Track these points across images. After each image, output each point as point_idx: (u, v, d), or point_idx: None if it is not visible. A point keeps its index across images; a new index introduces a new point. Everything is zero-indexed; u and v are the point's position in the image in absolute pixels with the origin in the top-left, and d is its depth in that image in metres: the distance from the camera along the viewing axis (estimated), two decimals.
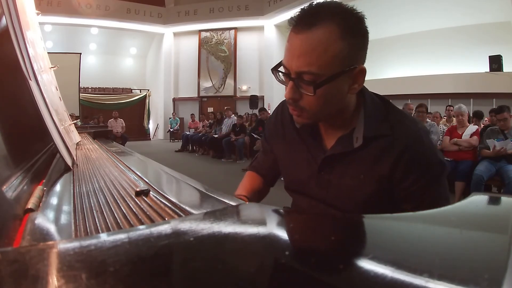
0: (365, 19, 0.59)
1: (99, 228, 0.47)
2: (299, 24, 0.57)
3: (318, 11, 0.56)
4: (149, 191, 0.63)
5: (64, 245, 0.29)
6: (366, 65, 0.62)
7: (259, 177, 0.89)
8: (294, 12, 0.61)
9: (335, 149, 0.66)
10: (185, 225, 0.35)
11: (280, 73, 0.61)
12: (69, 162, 0.97)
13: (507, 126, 3.00)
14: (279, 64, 0.61)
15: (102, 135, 3.14)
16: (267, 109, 7.32)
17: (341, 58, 0.56)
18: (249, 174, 0.90)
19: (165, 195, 0.60)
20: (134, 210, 0.53)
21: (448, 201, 0.68)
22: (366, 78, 0.63)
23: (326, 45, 0.55)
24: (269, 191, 0.91)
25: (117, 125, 7.92)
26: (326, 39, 0.54)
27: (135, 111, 12.83)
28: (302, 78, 0.57)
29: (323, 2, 0.58)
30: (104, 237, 0.34)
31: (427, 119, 3.65)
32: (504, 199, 0.47)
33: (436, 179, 0.65)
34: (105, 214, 0.53)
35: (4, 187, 0.45)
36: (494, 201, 0.47)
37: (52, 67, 2.01)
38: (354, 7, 0.58)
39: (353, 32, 0.56)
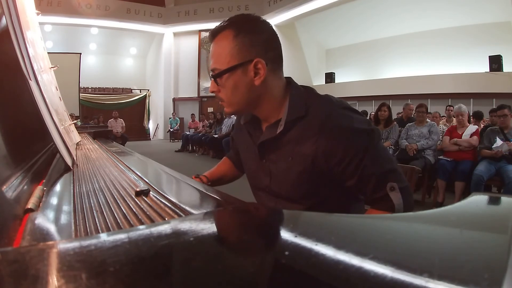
0: (263, 21, 0.72)
1: (99, 228, 0.47)
2: (210, 36, 0.73)
3: (220, 25, 0.71)
4: (149, 191, 0.63)
5: (64, 245, 0.29)
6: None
7: (232, 163, 1.05)
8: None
9: (263, 137, 0.77)
10: (185, 225, 0.35)
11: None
12: (69, 162, 0.97)
13: (506, 124, 3.00)
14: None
15: (102, 135, 3.14)
16: None
17: (235, 54, 0.69)
18: (224, 160, 1.08)
19: (165, 195, 0.60)
20: (134, 210, 0.53)
21: (392, 162, 0.73)
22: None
23: (222, 46, 0.70)
24: (241, 176, 1.05)
25: (117, 125, 7.92)
26: (222, 42, 0.70)
27: (135, 111, 12.84)
28: (213, 74, 0.72)
29: (231, 17, 0.73)
30: (104, 237, 0.34)
31: (427, 119, 3.65)
32: (504, 199, 0.47)
33: (364, 147, 0.69)
34: (105, 214, 0.53)
35: (4, 187, 0.45)
36: (494, 201, 0.47)
37: (52, 67, 2.01)
38: (253, 13, 0.73)
39: (246, 32, 0.69)
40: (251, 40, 0.69)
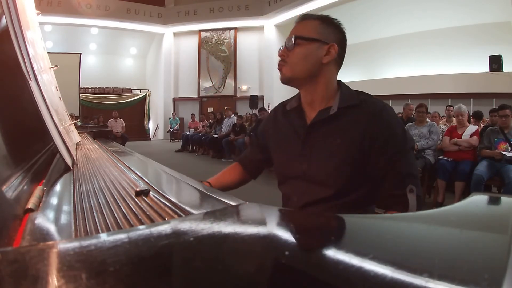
0: (342, 25, 0.85)
1: (99, 228, 0.47)
2: (299, 18, 0.86)
3: (311, 15, 0.85)
4: (149, 191, 0.63)
5: (64, 245, 0.29)
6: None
7: (241, 168, 1.06)
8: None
9: (315, 119, 0.83)
10: (185, 225, 0.35)
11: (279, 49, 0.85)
12: (69, 162, 0.97)
13: (507, 124, 3.00)
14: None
15: (102, 135, 3.14)
16: (267, 109, 7.33)
17: (318, 32, 0.81)
18: (234, 165, 1.09)
19: (165, 195, 0.60)
20: (134, 210, 0.53)
21: (417, 170, 0.80)
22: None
23: (309, 24, 0.83)
24: (250, 180, 1.07)
25: (117, 125, 7.92)
26: (309, 22, 0.83)
27: (135, 111, 12.83)
28: (290, 41, 0.82)
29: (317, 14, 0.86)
30: (104, 237, 0.34)
31: (427, 119, 3.64)
32: (504, 199, 0.47)
33: (403, 145, 0.78)
34: (105, 214, 0.53)
35: (4, 187, 0.45)
36: (494, 201, 0.47)
37: (52, 67, 2.01)
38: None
39: (329, 24, 0.83)
40: (333, 31, 0.83)
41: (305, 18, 0.84)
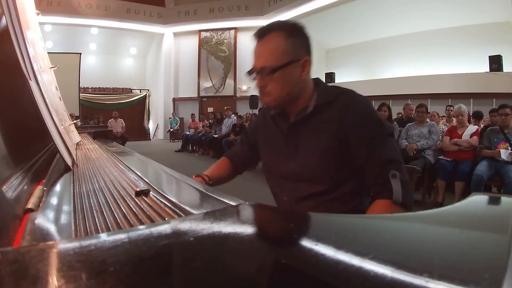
0: (303, 26, 0.83)
1: (99, 228, 0.47)
2: (258, 36, 0.81)
3: (269, 26, 0.81)
4: (149, 191, 0.63)
5: (64, 245, 0.29)
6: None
7: (230, 163, 1.08)
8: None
9: (294, 119, 0.86)
10: (185, 225, 0.35)
11: (251, 75, 0.84)
12: (69, 162, 0.97)
13: (507, 123, 3.00)
14: (250, 69, 0.84)
15: (102, 135, 3.14)
16: None
17: (287, 53, 0.78)
18: (222, 159, 1.10)
19: (165, 195, 0.60)
20: (134, 210, 0.53)
21: (399, 155, 0.81)
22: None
23: (276, 45, 0.79)
24: (235, 176, 1.10)
25: (117, 125, 7.92)
26: (274, 41, 0.79)
27: (135, 111, 12.83)
28: (263, 70, 0.80)
29: (275, 21, 0.83)
30: (104, 237, 0.34)
31: (427, 119, 3.64)
32: (504, 199, 0.47)
33: (378, 132, 0.80)
34: (105, 214, 0.53)
35: (4, 187, 0.45)
36: (494, 201, 0.47)
37: (52, 67, 2.01)
38: (296, 21, 0.83)
39: (295, 35, 0.80)
40: (300, 42, 0.81)
41: (265, 33, 0.80)
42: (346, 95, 0.84)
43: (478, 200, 0.43)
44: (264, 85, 0.81)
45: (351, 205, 0.85)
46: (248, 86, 11.44)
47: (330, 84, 0.90)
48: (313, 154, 0.83)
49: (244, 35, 11.60)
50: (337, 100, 0.82)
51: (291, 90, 0.82)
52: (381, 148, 0.78)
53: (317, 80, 0.89)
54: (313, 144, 0.83)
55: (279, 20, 0.84)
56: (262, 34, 0.80)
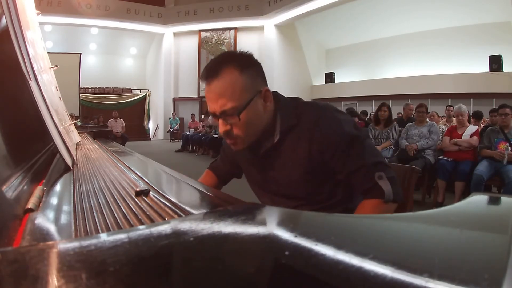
0: (251, 54, 0.77)
1: (99, 228, 0.47)
2: (208, 77, 0.72)
3: (217, 63, 0.73)
4: (149, 191, 0.63)
5: (64, 245, 0.29)
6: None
7: (214, 176, 1.05)
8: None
9: (263, 149, 0.81)
10: (185, 225, 0.35)
11: (210, 118, 0.80)
12: (69, 162, 0.97)
13: (507, 123, 3.00)
14: (207, 113, 0.81)
15: (102, 135, 3.14)
16: None
17: (247, 89, 0.72)
18: (207, 172, 1.07)
19: (165, 195, 0.60)
20: (134, 210, 0.53)
21: (378, 156, 0.80)
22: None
23: (232, 84, 0.71)
24: (221, 188, 1.07)
25: (117, 125, 7.92)
26: (230, 79, 0.71)
27: (135, 111, 12.83)
28: (226, 114, 0.72)
29: (219, 55, 0.75)
30: (104, 237, 0.34)
31: (427, 119, 3.64)
32: (504, 199, 0.47)
33: (351, 142, 0.77)
34: (105, 214, 0.53)
35: (4, 187, 0.45)
36: (494, 201, 0.47)
37: (52, 67, 2.01)
38: (242, 50, 0.77)
39: (247, 67, 0.73)
40: (255, 72, 0.75)
41: (215, 73, 0.71)
42: (308, 114, 0.79)
43: (478, 200, 0.43)
44: (229, 130, 0.74)
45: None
46: None
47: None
48: (291, 180, 0.81)
49: (244, 35, 11.60)
50: (300, 121, 0.78)
51: (259, 127, 0.77)
52: (360, 155, 0.77)
53: (275, 94, 0.82)
54: (288, 172, 0.81)
55: (225, 52, 0.77)
56: (212, 74, 0.71)
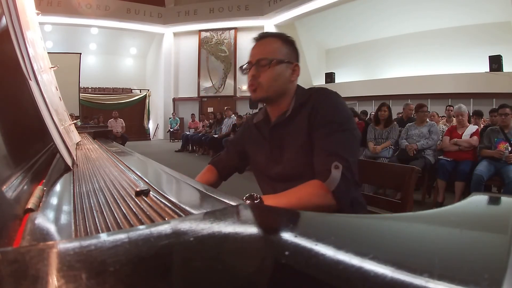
0: (295, 42, 0.94)
1: (99, 228, 0.47)
2: (259, 38, 0.93)
3: (267, 33, 0.94)
4: (149, 191, 0.63)
5: (64, 245, 0.29)
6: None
7: (216, 171, 1.10)
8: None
9: (274, 122, 0.93)
10: (185, 225, 0.35)
11: (245, 68, 0.92)
12: (69, 162, 0.97)
13: (507, 123, 3.00)
14: (246, 63, 0.93)
15: (102, 135, 3.14)
16: None
17: (282, 53, 0.89)
18: (208, 167, 1.12)
19: (165, 195, 0.60)
20: (134, 210, 0.53)
21: (352, 155, 0.82)
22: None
23: (273, 44, 0.90)
24: (220, 184, 1.12)
25: (117, 125, 7.91)
26: (271, 42, 0.91)
27: (135, 111, 12.83)
28: (260, 63, 0.88)
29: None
30: (104, 237, 0.34)
31: (427, 119, 3.64)
32: (504, 199, 0.47)
33: (332, 131, 0.82)
34: (105, 214, 0.53)
35: (4, 187, 0.45)
36: (494, 201, 0.47)
37: (52, 67, 2.01)
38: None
39: (289, 44, 0.92)
40: (293, 50, 0.92)
41: (265, 36, 0.92)
42: (317, 93, 0.89)
43: (478, 200, 0.43)
44: (257, 75, 0.88)
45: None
46: None
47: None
48: (294, 154, 0.88)
49: (244, 35, 11.59)
50: (309, 99, 0.88)
51: (280, 86, 0.89)
52: (330, 140, 0.81)
53: (297, 86, 0.95)
54: (293, 145, 0.88)
55: (275, 33, 0.94)
56: (263, 36, 0.92)
